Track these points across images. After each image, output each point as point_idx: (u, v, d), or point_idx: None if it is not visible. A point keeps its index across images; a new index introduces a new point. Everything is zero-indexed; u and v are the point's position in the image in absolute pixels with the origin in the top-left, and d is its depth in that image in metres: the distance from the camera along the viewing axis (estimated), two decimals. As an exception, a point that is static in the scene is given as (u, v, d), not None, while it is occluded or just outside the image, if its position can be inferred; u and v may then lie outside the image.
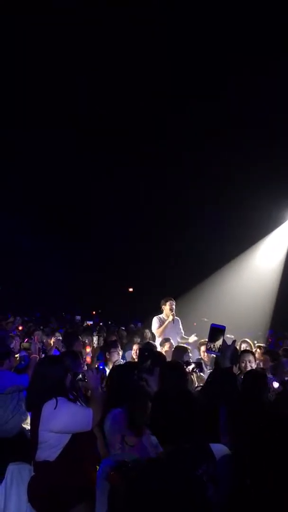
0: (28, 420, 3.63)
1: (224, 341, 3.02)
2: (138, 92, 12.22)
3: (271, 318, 14.58)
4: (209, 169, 13.93)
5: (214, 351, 3.02)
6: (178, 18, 10.21)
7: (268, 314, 14.94)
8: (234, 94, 11.64)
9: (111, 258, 18.87)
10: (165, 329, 7.44)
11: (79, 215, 17.60)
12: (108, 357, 5.80)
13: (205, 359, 6.34)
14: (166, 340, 6.94)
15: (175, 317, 7.57)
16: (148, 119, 12.95)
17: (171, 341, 6.97)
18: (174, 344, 6.84)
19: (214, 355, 3.43)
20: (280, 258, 15.15)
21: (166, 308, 7.60)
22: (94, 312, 18.05)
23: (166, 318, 7.54)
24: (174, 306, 7.60)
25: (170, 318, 7.47)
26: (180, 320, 7.79)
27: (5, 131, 12.88)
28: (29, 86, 11.83)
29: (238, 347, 6.98)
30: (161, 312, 7.75)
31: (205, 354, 6.41)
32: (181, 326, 7.75)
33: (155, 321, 7.62)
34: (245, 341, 7.43)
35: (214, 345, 3.01)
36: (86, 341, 7.16)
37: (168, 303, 7.59)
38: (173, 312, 7.52)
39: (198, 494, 2.10)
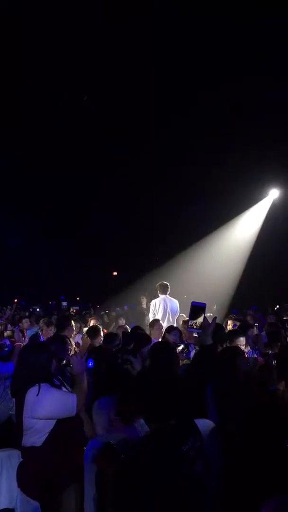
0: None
1: (205, 318, 3.04)
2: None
3: (252, 295, 14.76)
4: (191, 146, 13.87)
5: (196, 328, 3.05)
6: (178, 18, 10.21)
7: (250, 291, 15.14)
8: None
9: (95, 242, 18.79)
10: None
11: (65, 204, 17.44)
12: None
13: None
14: (156, 320, 7.00)
15: (173, 299, 8.16)
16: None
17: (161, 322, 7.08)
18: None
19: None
20: (255, 233, 15.32)
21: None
22: (78, 298, 18.03)
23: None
24: None
25: None
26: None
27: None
28: (28, 84, 11.80)
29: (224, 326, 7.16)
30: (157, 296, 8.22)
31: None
32: None
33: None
34: (231, 318, 7.59)
35: (195, 323, 3.03)
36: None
37: None
38: None
39: (186, 470, 2.11)
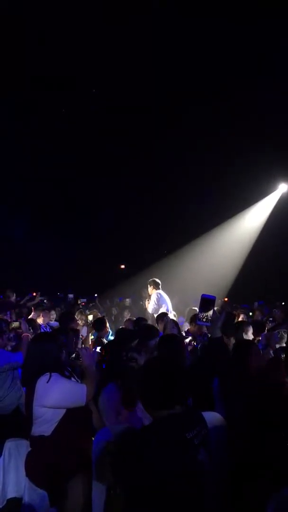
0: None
1: (214, 311, 3.05)
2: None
3: (259, 289, 14.73)
4: (197, 141, 13.90)
5: (205, 321, 3.05)
6: (178, 18, 10.30)
7: (256, 284, 15.11)
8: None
9: (101, 235, 18.77)
10: None
11: (69, 194, 17.43)
12: None
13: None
14: (164, 314, 6.99)
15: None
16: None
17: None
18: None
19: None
20: (263, 227, 15.32)
21: None
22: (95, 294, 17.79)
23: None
24: None
25: None
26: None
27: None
28: (29, 83, 11.85)
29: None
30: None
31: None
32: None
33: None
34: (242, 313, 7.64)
35: (205, 316, 3.03)
36: (80, 321, 7.18)
37: None
38: None
39: (189, 457, 2.10)
